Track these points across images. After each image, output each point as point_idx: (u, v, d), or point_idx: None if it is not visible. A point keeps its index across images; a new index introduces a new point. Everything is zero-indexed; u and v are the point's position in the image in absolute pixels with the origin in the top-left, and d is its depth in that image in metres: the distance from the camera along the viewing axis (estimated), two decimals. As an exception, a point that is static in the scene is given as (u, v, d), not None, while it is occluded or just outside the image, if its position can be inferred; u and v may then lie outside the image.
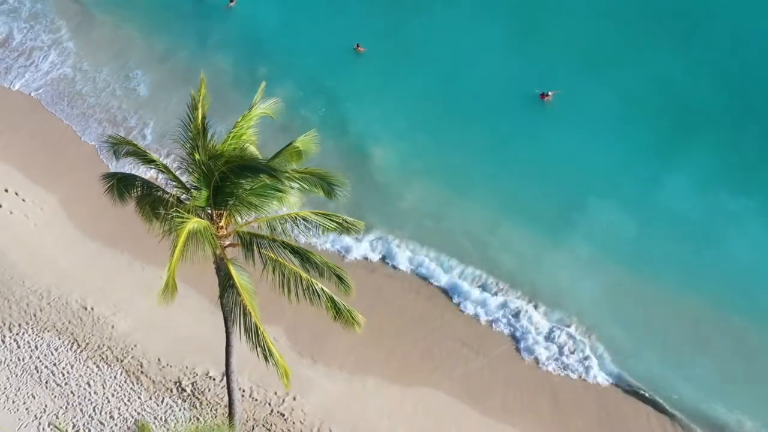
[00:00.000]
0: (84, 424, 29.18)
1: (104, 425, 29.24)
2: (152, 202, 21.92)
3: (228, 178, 20.30)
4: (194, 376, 30.89)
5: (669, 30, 44.72)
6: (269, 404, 29.99)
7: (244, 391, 30.11)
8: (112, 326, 32.55)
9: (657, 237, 35.70)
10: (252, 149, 22.02)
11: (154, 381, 30.71)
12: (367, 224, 34.66)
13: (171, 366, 31.20)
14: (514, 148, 39.73)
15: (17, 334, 31.99)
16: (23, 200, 37.69)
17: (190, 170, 21.15)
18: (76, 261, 35.23)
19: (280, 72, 43.45)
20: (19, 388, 30.17)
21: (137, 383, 30.57)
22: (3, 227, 36.28)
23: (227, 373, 24.79)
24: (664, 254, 34.92)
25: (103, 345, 31.86)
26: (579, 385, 31.34)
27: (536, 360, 32.10)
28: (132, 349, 31.76)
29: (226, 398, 29.39)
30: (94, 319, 32.77)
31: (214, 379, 30.75)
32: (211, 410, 29.83)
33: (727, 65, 42.54)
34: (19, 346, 31.57)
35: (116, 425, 29.22)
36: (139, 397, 30.11)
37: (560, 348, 32.19)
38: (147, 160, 22.33)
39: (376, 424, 29.74)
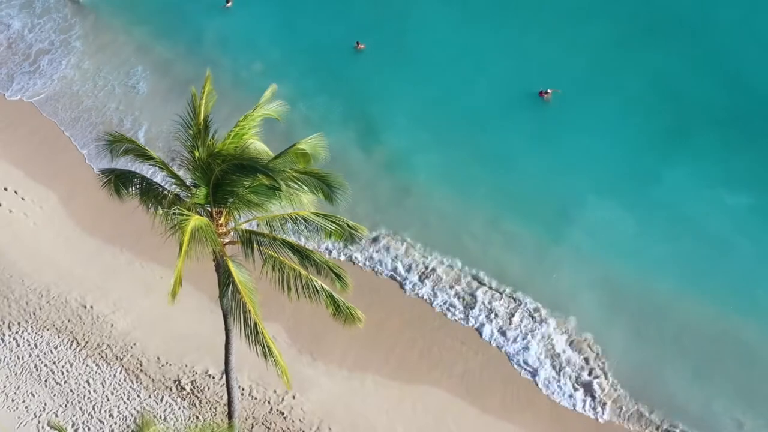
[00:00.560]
0: (83, 423, 29.20)
1: (104, 423, 29.25)
2: (152, 198, 21.91)
3: (227, 176, 20.29)
4: (194, 375, 30.90)
5: (668, 28, 44.64)
6: (268, 402, 30.00)
7: (243, 389, 30.12)
8: (112, 324, 32.55)
9: (657, 235, 35.69)
10: (257, 145, 21.87)
11: (153, 379, 30.71)
12: (368, 225, 34.78)
13: (170, 364, 31.21)
14: (513, 146, 39.64)
15: (16, 332, 31.99)
16: (22, 199, 37.67)
17: (190, 167, 21.13)
18: (76, 259, 35.22)
19: (279, 71, 43.28)
20: (18, 387, 30.18)
21: (137, 381, 30.58)
22: (2, 226, 36.27)
23: (226, 371, 24.78)
24: (664, 252, 34.96)
25: (103, 343, 31.86)
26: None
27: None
28: (131, 347, 31.77)
29: (225, 396, 29.41)
30: (93, 317, 32.77)
31: (213, 378, 30.76)
32: (210, 409, 29.84)
33: (727, 63, 42.47)
34: (18, 345, 31.57)
35: (115, 423, 29.23)
36: (138, 396, 30.12)
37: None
38: (146, 157, 22.27)
39: (375, 421, 29.76)
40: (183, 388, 30.47)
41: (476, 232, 36.52)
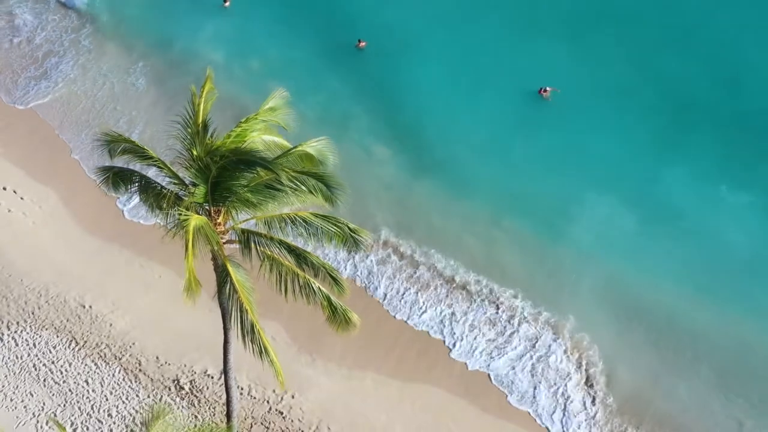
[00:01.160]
0: (82, 422, 29.16)
1: (102, 423, 29.22)
2: (151, 197, 21.85)
3: (225, 173, 20.22)
4: (192, 374, 30.86)
5: (668, 26, 44.59)
6: (267, 402, 29.96)
7: (242, 389, 30.08)
8: (111, 324, 32.51)
9: (657, 233, 35.64)
10: (266, 138, 21.61)
11: (152, 379, 30.68)
12: (369, 225, 34.75)
13: (169, 364, 31.17)
14: (513, 144, 39.58)
15: (15, 332, 31.95)
16: (21, 198, 37.63)
17: (188, 166, 21.04)
18: (75, 259, 35.18)
19: (279, 70, 43.23)
20: (17, 386, 30.14)
21: (135, 381, 30.54)
22: (1, 225, 36.22)
23: (225, 370, 24.72)
24: (664, 251, 34.92)
25: (102, 343, 31.82)
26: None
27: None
28: (130, 346, 31.73)
29: (224, 396, 29.35)
30: (92, 316, 32.72)
31: (212, 377, 30.72)
32: (209, 408, 29.80)
33: (727, 61, 42.40)
34: (17, 344, 31.53)
35: (114, 423, 29.20)
36: (137, 395, 30.08)
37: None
38: (144, 156, 22.18)
39: (374, 421, 29.73)
40: (182, 388, 30.44)
41: (475, 230, 36.42)
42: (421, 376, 31.30)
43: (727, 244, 35.02)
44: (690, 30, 44.18)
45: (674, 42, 43.60)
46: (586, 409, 30.37)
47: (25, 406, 29.58)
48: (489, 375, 31.42)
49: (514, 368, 31.57)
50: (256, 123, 21.67)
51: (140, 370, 30.96)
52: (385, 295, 34.13)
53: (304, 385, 30.44)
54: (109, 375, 30.69)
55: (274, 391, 30.21)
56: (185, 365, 31.13)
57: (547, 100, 41.09)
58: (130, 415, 29.45)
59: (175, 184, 21.82)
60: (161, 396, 30.11)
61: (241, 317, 20.66)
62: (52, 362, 31.04)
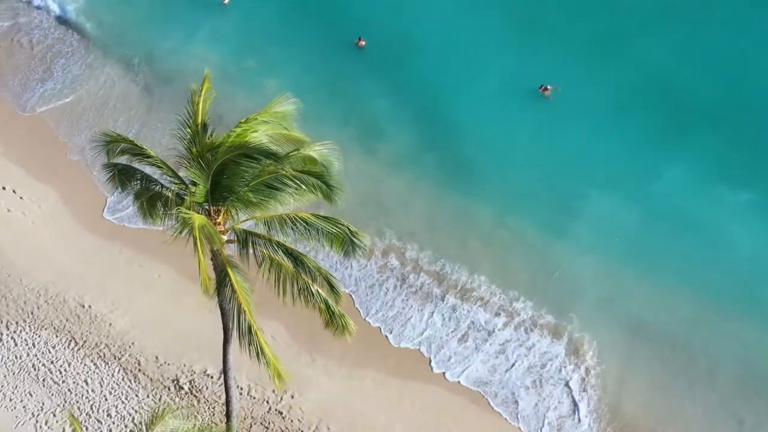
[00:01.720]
0: (81, 422, 29.11)
1: (102, 423, 29.18)
2: (150, 197, 21.78)
3: (226, 170, 20.15)
4: (192, 374, 30.82)
5: (669, 24, 44.51)
6: (267, 402, 29.92)
7: (242, 389, 30.04)
8: (110, 324, 32.46)
9: (657, 231, 35.58)
10: (270, 133, 21.55)
11: (151, 379, 30.63)
12: (370, 225, 34.68)
13: (169, 364, 31.12)
14: (513, 142, 39.47)
15: (14, 332, 31.90)
16: (21, 198, 37.57)
17: (188, 164, 20.96)
18: (74, 258, 35.12)
19: (278, 68, 43.18)
20: (16, 386, 30.10)
21: (135, 381, 30.50)
22: (0, 225, 36.15)
23: (225, 370, 24.66)
24: (664, 249, 34.87)
25: (101, 343, 31.77)
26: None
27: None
28: (130, 346, 31.68)
29: (223, 396, 29.29)
30: (91, 316, 32.67)
31: (212, 377, 30.68)
32: (208, 408, 29.77)
33: (727, 59, 42.30)
34: (16, 344, 31.49)
35: (113, 423, 29.16)
36: (136, 395, 30.04)
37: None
38: (144, 156, 22.13)
39: (374, 421, 29.69)
40: (181, 388, 30.39)
41: (475, 228, 36.33)
42: (421, 376, 31.24)
43: (729, 245, 34.92)
44: (691, 28, 44.06)
45: (675, 40, 43.46)
46: (583, 412, 30.31)
47: (24, 406, 29.53)
48: (489, 375, 31.39)
49: (513, 369, 31.52)
50: (257, 123, 21.57)
51: (139, 370, 30.91)
52: (383, 307, 33.87)
53: (304, 386, 30.38)
54: (108, 375, 30.65)
55: (273, 391, 30.16)
56: (185, 365, 31.08)
57: (547, 99, 41.02)
58: (130, 415, 29.40)
59: (175, 183, 21.76)
60: (161, 396, 30.06)
61: (239, 318, 20.57)
62: (51, 362, 30.99)
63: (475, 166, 38.72)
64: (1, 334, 31.78)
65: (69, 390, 30.05)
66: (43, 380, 30.38)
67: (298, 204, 21.14)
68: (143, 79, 44.05)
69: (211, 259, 21.79)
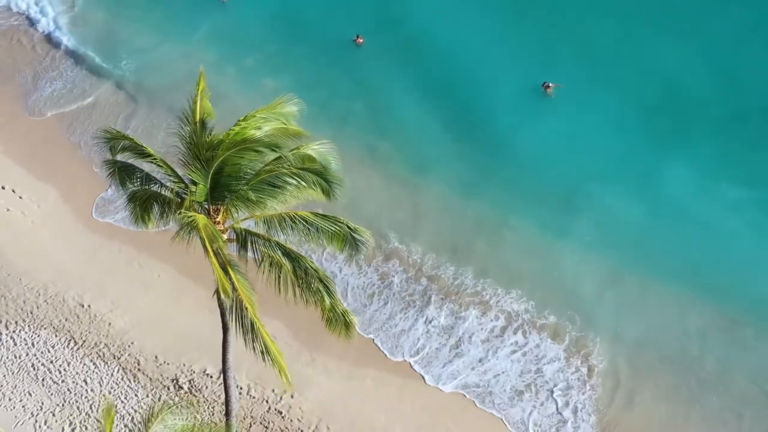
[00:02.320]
0: (81, 422, 29.07)
1: (101, 423, 29.10)
2: (146, 198, 21.69)
3: (225, 169, 20.09)
4: (191, 374, 30.77)
5: (670, 22, 44.54)
6: (267, 402, 29.87)
7: (241, 388, 29.99)
8: (109, 323, 32.42)
9: (657, 229, 35.55)
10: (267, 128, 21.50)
11: (151, 378, 30.59)
12: (366, 224, 34.47)
13: (168, 363, 31.08)
14: (515, 139, 39.46)
15: (14, 331, 31.85)
16: (20, 197, 37.54)
17: (187, 163, 20.91)
18: (74, 258, 35.09)
19: (277, 66, 43.22)
20: (15, 386, 30.05)
21: (134, 381, 30.45)
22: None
23: (224, 370, 24.58)
24: (664, 247, 34.83)
25: (100, 342, 31.72)
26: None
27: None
28: (129, 346, 31.63)
29: (223, 396, 29.25)
30: (91, 316, 32.63)
31: (211, 377, 30.63)
32: (208, 408, 29.71)
33: (727, 56, 42.38)
34: (15, 344, 31.44)
35: (113, 423, 29.06)
36: (136, 395, 29.99)
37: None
38: (144, 154, 22.09)
39: (373, 420, 29.63)
40: (181, 388, 30.34)
41: (475, 227, 36.32)
42: (421, 376, 31.18)
43: (733, 245, 34.91)
44: (693, 25, 44.13)
45: (677, 38, 43.55)
46: (583, 414, 30.27)
47: (23, 406, 29.47)
48: (488, 376, 31.34)
49: (512, 368, 31.47)
50: (256, 120, 21.54)
51: (139, 369, 30.86)
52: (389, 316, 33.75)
53: (304, 385, 30.32)
54: (107, 374, 30.60)
55: (273, 390, 30.12)
56: (184, 365, 31.04)
57: (550, 96, 41.00)
58: (129, 414, 29.35)
59: (174, 182, 21.71)
60: (160, 395, 30.01)
61: (242, 316, 20.43)
62: (51, 362, 30.94)
63: (474, 165, 38.69)
64: (1, 333, 31.72)
65: (68, 389, 30.00)
66: (43, 380, 30.33)
67: (297, 202, 21.10)
68: (142, 78, 44.02)
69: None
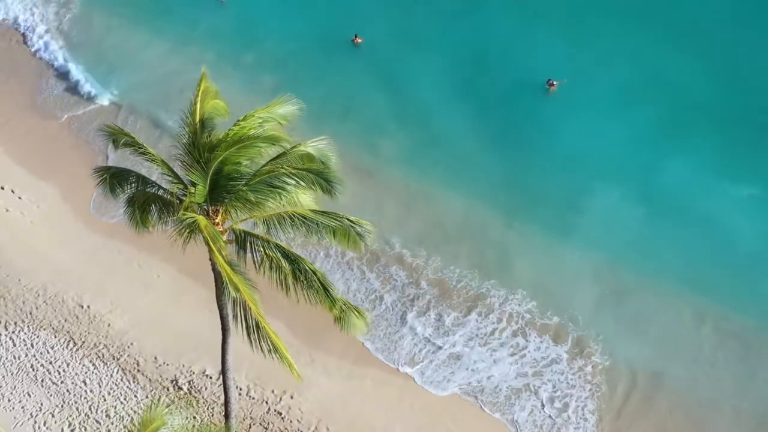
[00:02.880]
0: (80, 423, 29.01)
1: (100, 424, 29.07)
2: (144, 201, 21.59)
3: (224, 169, 20.00)
4: (191, 375, 30.71)
5: (672, 21, 44.52)
6: (266, 402, 29.81)
7: (241, 389, 29.93)
8: (109, 324, 32.36)
9: (661, 229, 35.48)
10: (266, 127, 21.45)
11: (150, 379, 30.52)
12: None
13: (168, 364, 31.01)
14: (517, 137, 39.48)
15: (13, 332, 31.80)
16: (19, 198, 37.51)
17: (187, 164, 20.83)
18: (73, 258, 35.04)
19: (275, 66, 43.24)
20: (14, 387, 30.00)
21: (134, 381, 30.39)
22: (-1, 225, 36.16)
23: (224, 371, 24.54)
24: (666, 246, 34.76)
25: (100, 343, 31.66)
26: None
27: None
28: (128, 347, 31.58)
29: (222, 396, 29.18)
30: (90, 316, 32.57)
31: (211, 378, 30.57)
32: (207, 409, 29.66)
33: (731, 55, 42.39)
34: (14, 345, 31.38)
35: (112, 424, 29.05)
36: (135, 396, 29.93)
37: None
38: (143, 152, 22.00)
39: (373, 421, 29.58)
40: (180, 388, 30.28)
41: (478, 226, 36.25)
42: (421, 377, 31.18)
43: (735, 242, 34.88)
44: (695, 24, 44.11)
45: (679, 36, 43.57)
46: (584, 414, 30.22)
47: (22, 407, 29.42)
48: (488, 376, 31.27)
49: (513, 369, 31.41)
50: (254, 120, 21.47)
51: (138, 370, 30.80)
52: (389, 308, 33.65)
53: (304, 386, 30.25)
54: (107, 375, 30.54)
55: (272, 391, 30.08)
56: (184, 365, 30.98)
57: (553, 94, 40.94)
58: (128, 415, 29.29)
59: (173, 182, 21.62)
60: (159, 396, 29.96)
61: (245, 315, 20.26)
62: (50, 362, 30.88)
63: (475, 165, 38.62)
64: (0, 334, 31.66)
65: (68, 390, 29.94)
66: (42, 381, 30.27)
67: (296, 202, 21.03)
68: (142, 77, 43.96)
69: (210, 259, 21.65)
